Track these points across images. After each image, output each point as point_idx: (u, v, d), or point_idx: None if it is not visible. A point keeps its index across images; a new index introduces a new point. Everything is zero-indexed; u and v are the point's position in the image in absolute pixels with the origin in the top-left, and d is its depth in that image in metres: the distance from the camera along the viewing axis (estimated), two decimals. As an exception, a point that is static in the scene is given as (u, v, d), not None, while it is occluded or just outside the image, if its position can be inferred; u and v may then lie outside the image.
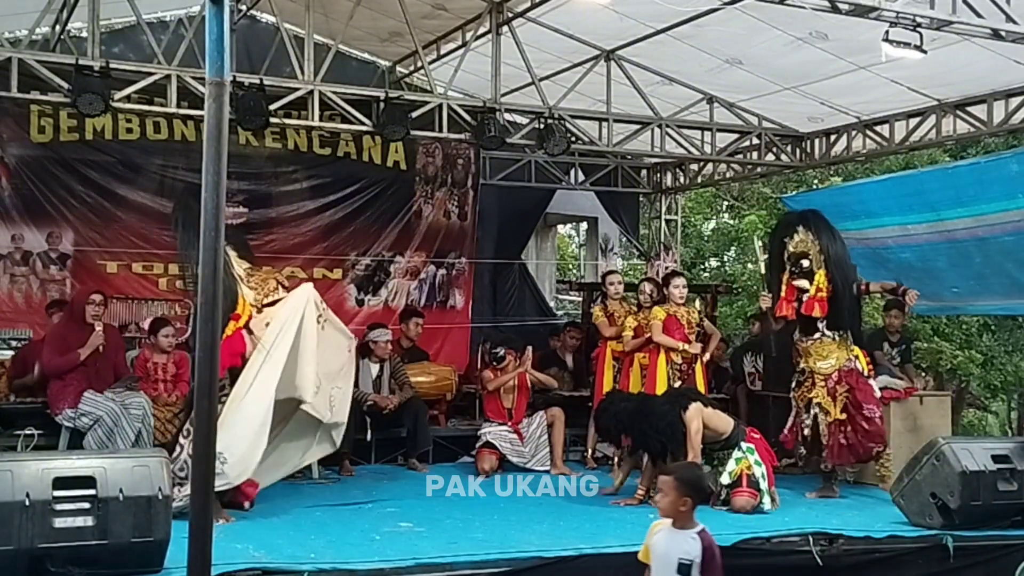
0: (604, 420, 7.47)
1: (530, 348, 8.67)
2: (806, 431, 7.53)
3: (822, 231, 7.58)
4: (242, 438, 6.00)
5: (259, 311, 6.54)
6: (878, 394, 7.49)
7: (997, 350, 15.15)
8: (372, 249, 11.20)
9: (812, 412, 7.48)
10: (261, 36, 10.04)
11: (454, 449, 9.18)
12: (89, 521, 4.50)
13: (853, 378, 7.36)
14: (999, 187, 7.81)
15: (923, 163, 13.36)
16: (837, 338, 7.46)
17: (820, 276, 7.43)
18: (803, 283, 7.46)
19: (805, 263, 7.50)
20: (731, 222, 19.26)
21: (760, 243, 9.39)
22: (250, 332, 6.34)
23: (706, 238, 19.22)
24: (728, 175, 12.70)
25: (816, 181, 15.96)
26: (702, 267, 18.76)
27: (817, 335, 7.48)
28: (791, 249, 7.62)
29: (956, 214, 8.23)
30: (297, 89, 8.52)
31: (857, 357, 7.44)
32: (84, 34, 8.43)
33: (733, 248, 18.81)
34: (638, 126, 10.02)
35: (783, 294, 7.61)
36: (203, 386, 2.85)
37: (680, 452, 6.68)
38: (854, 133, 10.43)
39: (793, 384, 7.73)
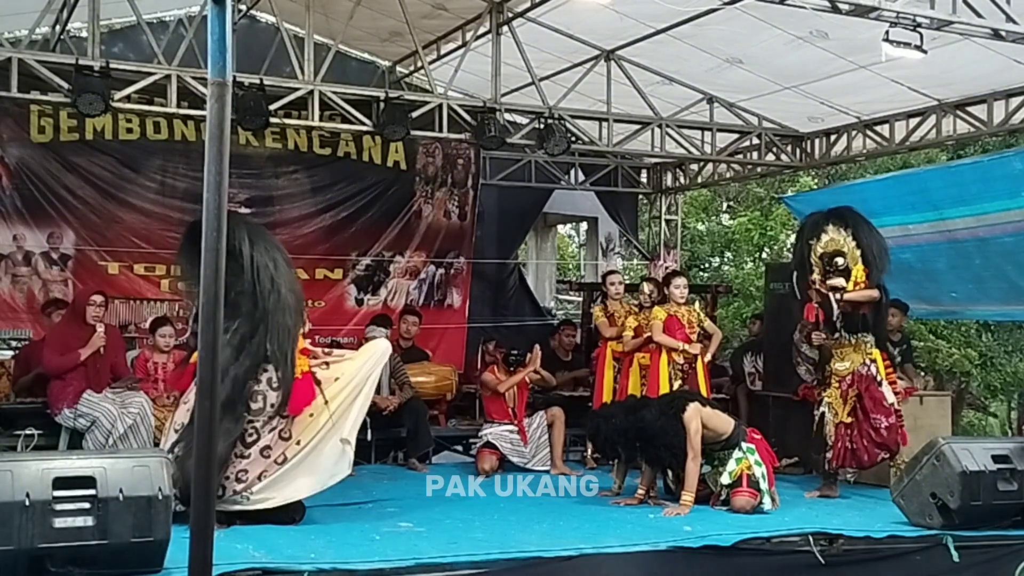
0: (598, 442, 7.46)
1: (537, 346, 8.66)
2: (815, 428, 7.50)
3: (859, 225, 7.36)
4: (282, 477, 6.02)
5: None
6: (891, 400, 7.29)
7: (997, 350, 15.16)
8: (372, 249, 11.20)
9: (821, 410, 7.45)
10: (261, 36, 10.04)
11: (454, 449, 9.20)
12: (89, 521, 4.49)
13: (864, 384, 7.26)
14: (1002, 185, 7.80)
15: (921, 164, 13.36)
16: (853, 340, 7.32)
17: (858, 270, 7.25)
18: (838, 281, 7.22)
19: (840, 261, 7.26)
20: (729, 224, 19.29)
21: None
22: (318, 383, 6.13)
23: (703, 239, 19.25)
24: (728, 175, 12.72)
25: (813, 183, 15.98)
26: (700, 268, 18.77)
27: (836, 335, 7.35)
28: (820, 250, 7.38)
29: (958, 213, 8.20)
30: (297, 89, 8.53)
31: (875, 361, 7.29)
32: (84, 34, 8.43)
33: (728, 250, 18.84)
34: (638, 126, 10.03)
35: (813, 296, 7.43)
36: (203, 386, 2.85)
37: (682, 455, 6.67)
38: (854, 133, 10.44)
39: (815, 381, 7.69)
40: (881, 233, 7.54)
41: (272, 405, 5.98)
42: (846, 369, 7.32)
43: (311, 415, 6.06)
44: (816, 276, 7.37)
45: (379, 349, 6.55)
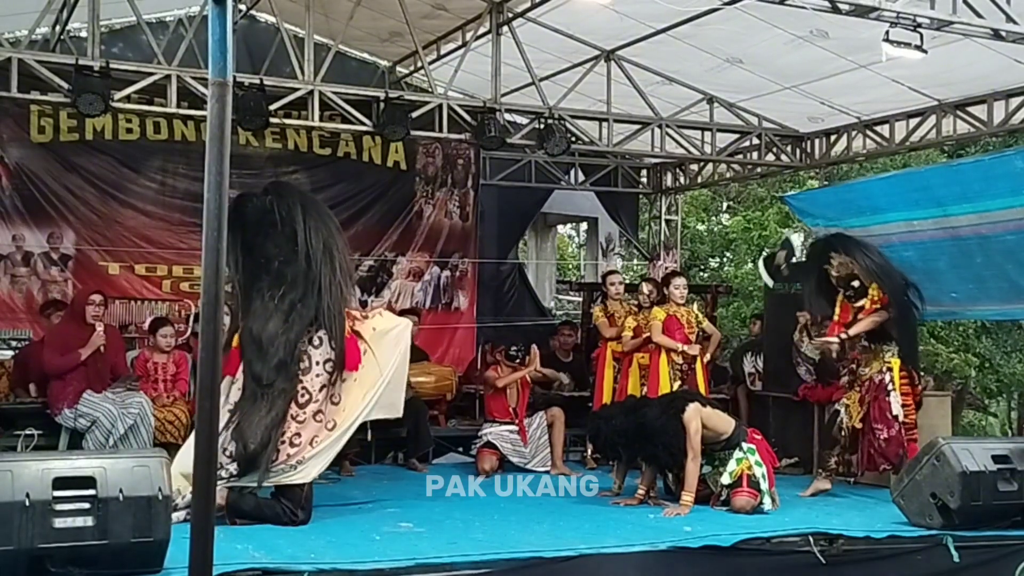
0: (599, 443, 7.45)
1: (535, 346, 8.65)
2: (827, 424, 7.53)
3: (852, 250, 7.46)
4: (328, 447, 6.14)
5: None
6: (896, 412, 7.25)
7: (995, 352, 15.15)
8: (374, 250, 11.20)
9: (836, 408, 7.49)
10: (261, 36, 10.05)
11: (450, 447, 9.19)
12: (89, 521, 4.48)
13: (873, 393, 7.27)
14: (1005, 183, 7.80)
15: (920, 165, 13.37)
16: (874, 347, 7.35)
17: (874, 290, 7.32)
18: (863, 303, 7.34)
19: (856, 284, 7.38)
20: (729, 224, 19.31)
21: (762, 264, 9.38)
22: (362, 338, 6.26)
23: (703, 239, 19.27)
24: (728, 175, 12.72)
25: (813, 182, 15.97)
26: (700, 268, 18.79)
27: (863, 343, 7.40)
28: (835, 273, 7.49)
29: (962, 210, 8.18)
30: (297, 89, 8.53)
31: (891, 370, 7.29)
32: (84, 34, 8.44)
33: (728, 251, 18.86)
34: (638, 126, 10.03)
35: (836, 317, 7.51)
36: (204, 386, 2.84)
37: (681, 455, 6.67)
38: (854, 133, 10.44)
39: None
40: (876, 249, 7.58)
41: (318, 363, 6.06)
42: (865, 375, 7.34)
43: (355, 380, 6.16)
44: (839, 298, 7.47)
45: (402, 321, 6.68)
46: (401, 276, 11.38)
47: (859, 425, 7.29)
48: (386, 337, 6.36)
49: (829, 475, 7.48)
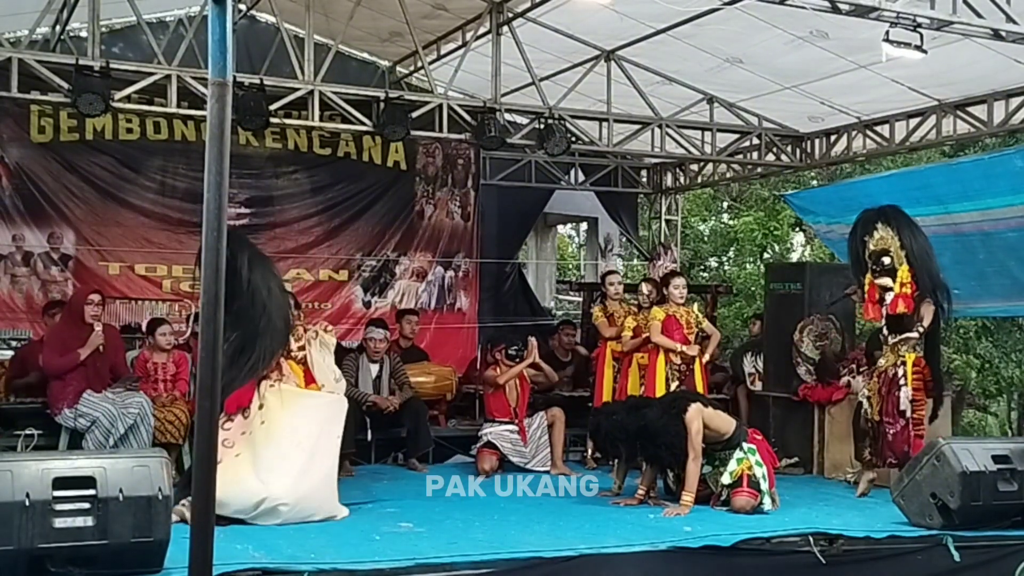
0: (599, 438, 7.43)
1: (532, 339, 8.62)
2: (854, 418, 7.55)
3: (902, 226, 7.33)
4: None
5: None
6: (903, 407, 7.17)
7: (995, 354, 15.13)
8: (377, 250, 11.21)
9: (859, 401, 7.49)
10: (261, 36, 10.06)
11: (454, 449, 9.19)
12: (89, 521, 4.49)
13: (887, 386, 7.22)
14: (1005, 181, 7.80)
15: (920, 165, 13.36)
16: (892, 340, 7.25)
17: (903, 272, 7.20)
18: (885, 281, 7.23)
19: (886, 260, 7.25)
20: (730, 223, 19.30)
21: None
22: (258, 385, 6.23)
23: (705, 239, 19.26)
24: (728, 175, 12.72)
25: (814, 182, 15.98)
26: (701, 268, 18.79)
27: (881, 334, 7.35)
28: (871, 247, 7.38)
29: (963, 207, 8.18)
30: (297, 89, 8.54)
31: (904, 364, 7.20)
32: (84, 34, 8.45)
33: (732, 250, 18.85)
34: (638, 126, 10.03)
35: (866, 296, 7.42)
36: (204, 386, 2.85)
37: (682, 455, 6.67)
38: (854, 133, 10.44)
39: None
40: (925, 236, 7.43)
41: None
42: (881, 367, 7.30)
43: (245, 433, 6.09)
44: (868, 276, 7.38)
45: (338, 406, 6.55)
46: (405, 276, 11.38)
47: (877, 418, 7.26)
48: (310, 403, 6.32)
49: (869, 467, 7.44)
